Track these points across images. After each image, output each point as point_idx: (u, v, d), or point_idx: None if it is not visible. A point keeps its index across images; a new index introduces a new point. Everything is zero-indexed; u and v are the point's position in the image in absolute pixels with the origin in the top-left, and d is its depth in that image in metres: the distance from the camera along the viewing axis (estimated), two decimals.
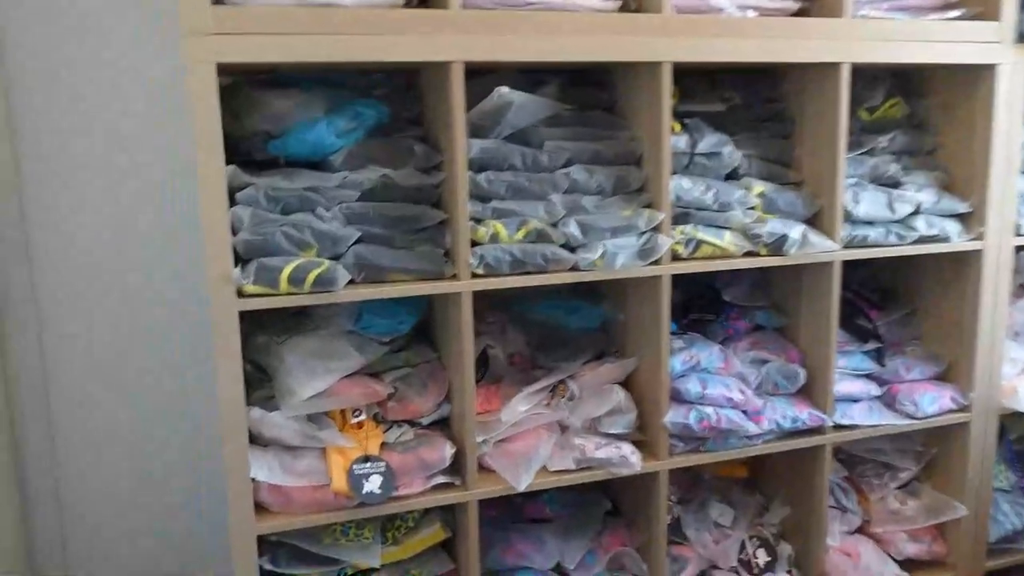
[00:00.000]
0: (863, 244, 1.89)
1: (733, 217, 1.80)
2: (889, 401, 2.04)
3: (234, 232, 1.48)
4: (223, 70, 1.41)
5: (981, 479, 2.12)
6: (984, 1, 1.91)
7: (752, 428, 1.83)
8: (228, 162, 1.44)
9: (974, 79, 1.96)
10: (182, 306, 1.96)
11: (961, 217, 2.00)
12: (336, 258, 1.53)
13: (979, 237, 1.98)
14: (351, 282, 1.53)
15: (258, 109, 1.58)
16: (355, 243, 1.55)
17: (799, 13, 1.82)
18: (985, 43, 1.91)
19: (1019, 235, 2.04)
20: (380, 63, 1.54)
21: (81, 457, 1.96)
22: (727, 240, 1.78)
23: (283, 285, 1.47)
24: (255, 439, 1.59)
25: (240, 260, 1.48)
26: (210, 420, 1.94)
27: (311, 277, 1.47)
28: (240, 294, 1.47)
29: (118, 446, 2.00)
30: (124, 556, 2.03)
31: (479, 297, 1.64)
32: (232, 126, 1.54)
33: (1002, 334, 2.07)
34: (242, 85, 1.63)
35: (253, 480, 1.55)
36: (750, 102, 1.96)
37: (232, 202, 1.49)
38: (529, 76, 1.76)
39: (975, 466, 2.11)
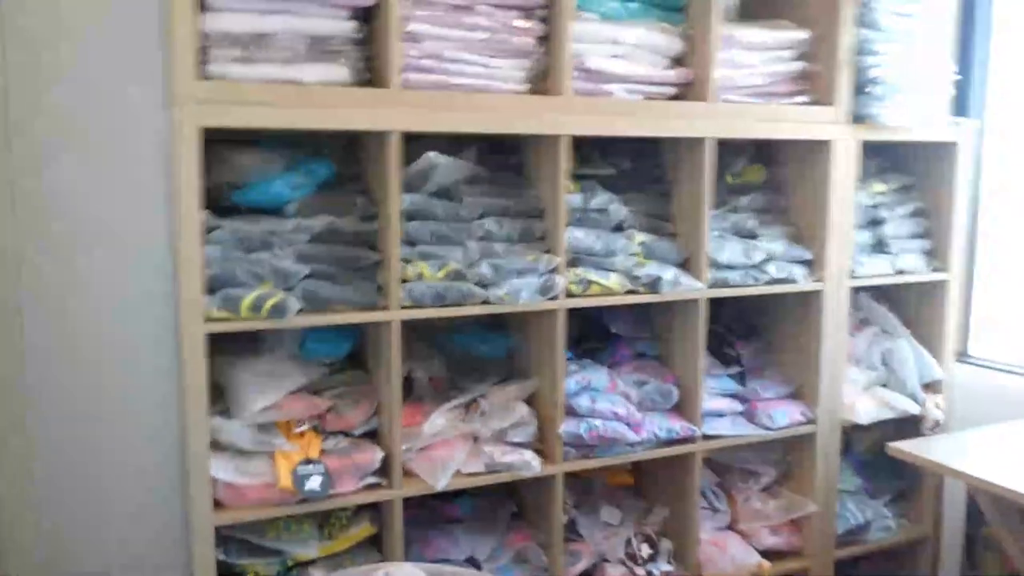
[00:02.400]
0: (725, 285, 2.29)
1: (618, 262, 2.17)
2: (750, 416, 2.44)
3: (205, 267, 1.76)
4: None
5: (828, 481, 2.53)
6: (823, 89, 2.36)
7: (633, 437, 2.19)
8: None
9: (816, 151, 2.40)
10: (154, 330, 2.17)
11: (806, 263, 2.42)
12: (288, 290, 1.83)
13: (820, 279, 2.41)
14: (300, 311, 1.83)
15: (225, 164, 1.88)
16: (304, 278, 1.85)
17: (675, 97, 2.22)
18: (823, 123, 2.35)
19: (853, 278, 2.47)
20: (332, 130, 1.87)
21: (57, 462, 2.13)
22: (613, 281, 2.15)
23: (244, 311, 1.76)
24: (213, 444, 1.86)
25: (208, 290, 1.77)
26: (167, 431, 2.16)
27: (267, 305, 1.77)
28: (206, 319, 1.75)
29: (90, 453, 2.17)
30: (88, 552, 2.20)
31: (406, 328, 1.96)
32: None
33: (843, 360, 2.50)
34: (211, 143, 1.92)
35: (213, 479, 1.82)
36: (636, 167, 2.35)
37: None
38: (453, 142, 2.10)
39: (822, 470, 2.51)
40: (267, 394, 1.90)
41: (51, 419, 2.09)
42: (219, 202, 1.87)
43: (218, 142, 1.89)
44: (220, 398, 1.93)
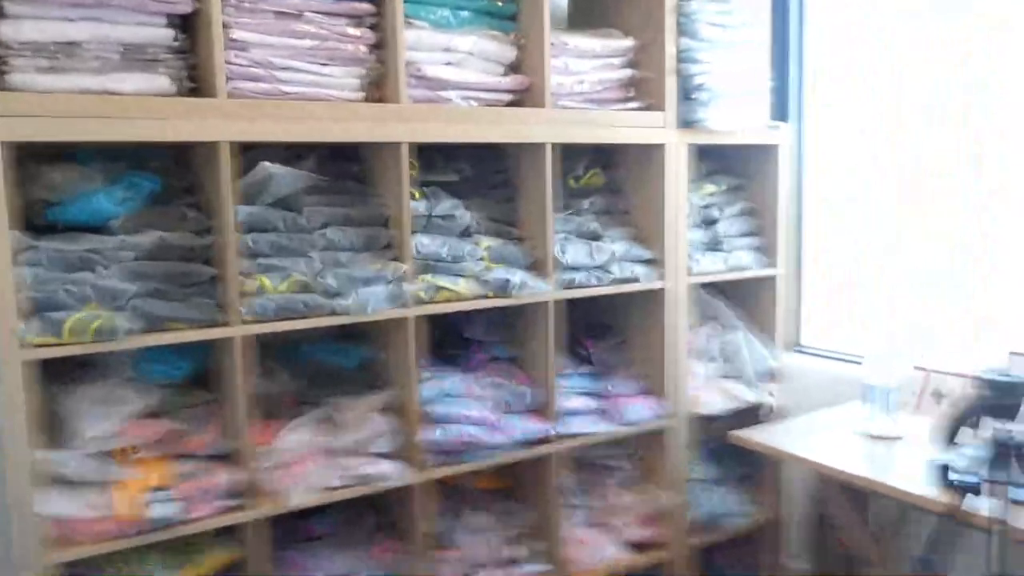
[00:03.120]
0: (572, 286, 2.35)
1: (466, 267, 2.19)
2: (605, 413, 2.50)
3: (18, 290, 1.65)
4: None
5: (681, 473, 2.62)
6: (654, 95, 2.48)
7: (492, 440, 2.21)
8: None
9: (649, 155, 2.51)
10: None
11: (648, 262, 2.52)
12: (118, 310, 1.74)
13: (661, 277, 2.52)
14: (130, 331, 1.74)
15: (38, 180, 1.77)
16: (133, 297, 1.77)
17: (512, 103, 2.28)
18: (655, 128, 2.47)
19: (692, 275, 2.60)
20: (157, 143, 1.80)
21: None
22: (462, 286, 2.16)
23: (66, 335, 1.66)
24: (48, 478, 1.73)
25: (23, 316, 1.66)
26: None
27: (92, 328, 1.68)
28: (24, 344, 1.64)
29: None
30: None
31: (254, 343, 1.90)
32: (13, 195, 1.72)
33: (685, 355, 2.61)
34: (22, 159, 1.81)
35: (45, 515, 1.70)
36: (480, 173, 2.38)
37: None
38: (291, 151, 2.07)
39: (675, 462, 2.61)
40: (103, 421, 1.81)
41: None
42: (32, 221, 1.76)
43: (32, 158, 1.79)
44: (57, 431, 1.81)
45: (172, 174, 1.98)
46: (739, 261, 2.72)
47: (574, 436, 2.40)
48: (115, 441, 1.81)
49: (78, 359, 1.85)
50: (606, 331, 2.70)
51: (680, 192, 2.53)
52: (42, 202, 1.79)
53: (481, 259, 2.23)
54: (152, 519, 1.77)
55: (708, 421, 2.77)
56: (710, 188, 2.72)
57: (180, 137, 1.78)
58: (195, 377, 2.04)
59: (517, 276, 2.22)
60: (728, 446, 2.81)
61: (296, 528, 2.19)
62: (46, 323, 1.65)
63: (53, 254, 1.71)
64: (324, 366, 2.25)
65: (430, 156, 2.30)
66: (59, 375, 1.88)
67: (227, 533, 1.99)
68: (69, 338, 1.67)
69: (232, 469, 1.92)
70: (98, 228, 1.83)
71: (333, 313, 1.98)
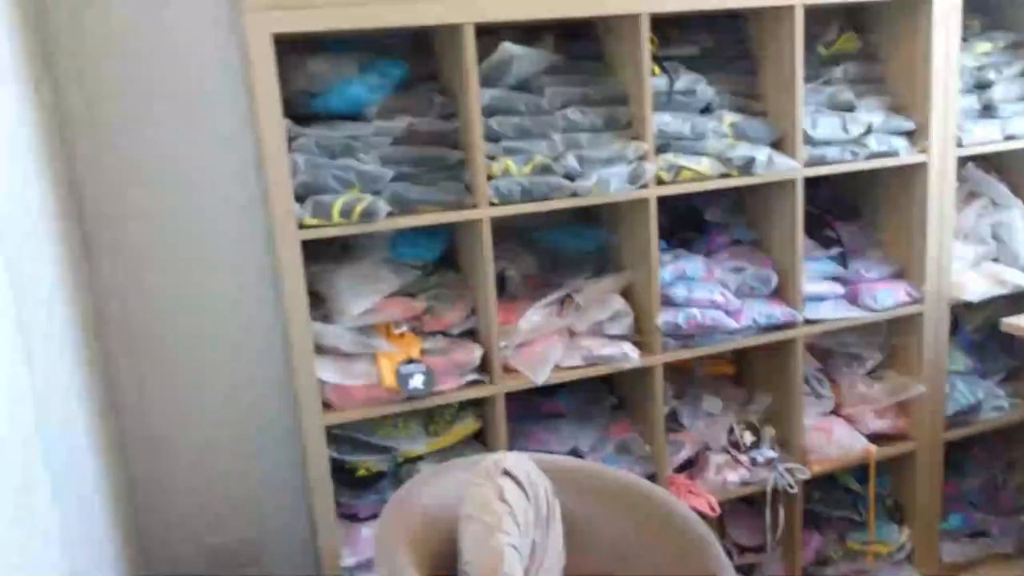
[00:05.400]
0: (822, 162, 2.19)
1: (708, 145, 2.09)
2: (852, 298, 2.35)
3: (292, 175, 1.78)
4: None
5: (937, 362, 2.44)
6: None
7: (732, 324, 2.15)
8: None
9: (913, 10, 2.23)
10: (245, 244, 2.19)
11: (908, 134, 2.29)
12: (376, 194, 1.84)
13: (924, 150, 2.28)
14: (389, 214, 1.83)
15: (301, 71, 1.87)
16: (391, 181, 1.85)
17: None
18: None
19: (960, 147, 2.33)
20: (404, 27, 1.83)
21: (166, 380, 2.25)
22: (704, 165, 2.08)
23: (335, 217, 1.78)
24: (317, 349, 1.91)
25: (297, 198, 1.79)
26: (271, 341, 2.24)
27: (358, 210, 1.78)
28: (300, 226, 1.78)
29: (196, 369, 2.27)
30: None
31: (496, 227, 1.95)
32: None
33: (950, 236, 2.38)
34: (283, 51, 1.92)
35: (320, 381, 1.87)
36: (719, 45, 2.23)
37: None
38: (528, 32, 2.04)
39: (930, 351, 2.42)
40: (365, 298, 1.93)
41: (154, 339, 2.18)
42: (296, 111, 1.86)
43: (287, 51, 1.88)
44: (316, 308, 1.97)
45: (413, 60, 2.02)
46: (1018, 129, 2.39)
47: (820, 322, 2.29)
48: (376, 317, 1.95)
49: (338, 240, 1.99)
50: (850, 212, 2.51)
51: (950, 52, 2.24)
52: (305, 92, 1.89)
53: (725, 136, 2.12)
54: (408, 389, 1.90)
55: (971, 308, 2.54)
56: (985, 46, 2.38)
57: (426, 21, 1.81)
58: (444, 258, 2.14)
59: (763, 153, 2.10)
60: (991, 336, 2.59)
61: (536, 404, 2.28)
62: (317, 206, 1.78)
63: (320, 141, 1.82)
64: (561, 249, 2.27)
65: (666, 31, 2.19)
66: (317, 256, 2.03)
67: (469, 405, 2.10)
68: (337, 220, 1.78)
69: (479, 346, 2.01)
70: (352, 117, 1.91)
71: (575, 195, 1.97)
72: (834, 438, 2.39)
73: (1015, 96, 2.42)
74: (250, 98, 1.92)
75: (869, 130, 2.22)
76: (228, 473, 2.31)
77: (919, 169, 2.30)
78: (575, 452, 2.16)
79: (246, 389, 2.27)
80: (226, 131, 2.12)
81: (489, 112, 1.94)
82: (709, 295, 2.14)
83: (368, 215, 1.79)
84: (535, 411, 2.27)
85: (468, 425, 2.11)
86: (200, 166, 2.14)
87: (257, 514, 2.35)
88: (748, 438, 2.34)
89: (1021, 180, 2.57)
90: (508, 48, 1.92)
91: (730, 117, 2.14)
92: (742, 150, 2.10)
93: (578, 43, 2.12)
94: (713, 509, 2.20)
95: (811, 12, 2.15)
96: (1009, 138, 2.40)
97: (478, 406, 2.12)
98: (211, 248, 2.18)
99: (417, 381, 1.92)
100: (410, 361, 1.93)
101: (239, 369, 2.26)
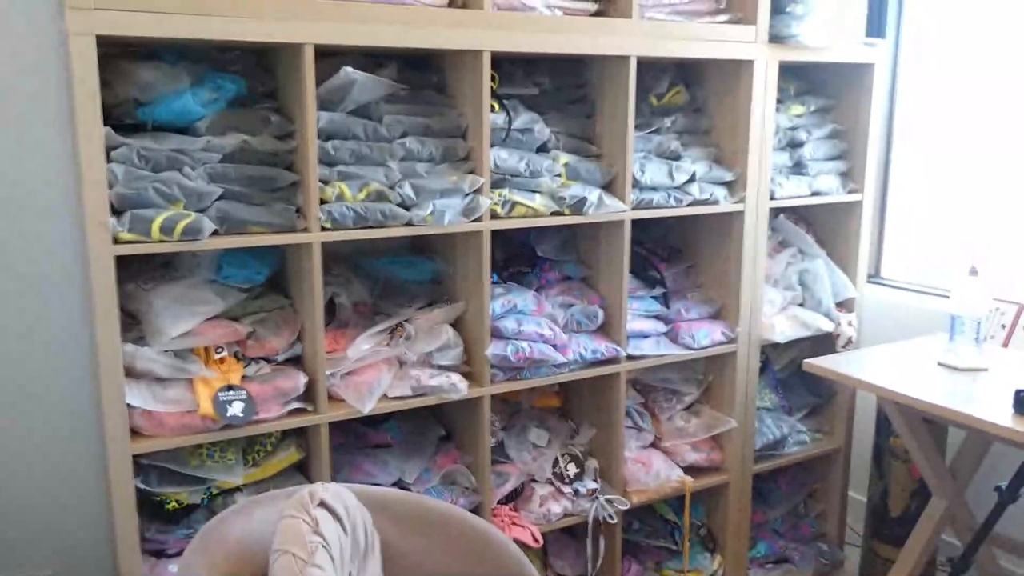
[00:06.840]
0: (649, 206, 2.30)
1: (542, 183, 2.15)
2: (673, 336, 2.48)
3: (109, 186, 1.68)
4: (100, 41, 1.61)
5: (747, 398, 2.61)
6: (744, 8, 2.36)
7: (560, 358, 2.21)
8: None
9: (736, 72, 2.41)
10: (56, 257, 2.06)
11: (728, 184, 2.45)
12: (201, 211, 1.76)
13: (741, 200, 2.44)
14: (215, 233, 1.76)
15: (128, 79, 1.77)
16: (218, 199, 1.78)
17: (597, 13, 2.19)
18: (744, 42, 2.35)
19: (773, 199, 2.52)
20: (241, 42, 1.78)
21: None
22: (537, 202, 2.13)
23: (155, 233, 1.69)
24: (128, 372, 1.80)
25: (115, 211, 1.69)
26: (77, 360, 2.08)
27: (180, 227, 1.70)
28: (115, 240, 1.67)
29: None
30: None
31: (328, 252, 1.91)
32: (103, 93, 1.73)
33: (761, 281, 2.56)
34: (110, 56, 1.81)
35: (128, 406, 1.76)
36: (559, 87, 2.32)
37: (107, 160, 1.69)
38: (371, 59, 2.03)
39: (742, 388, 2.59)
40: (184, 320, 1.84)
41: None
42: (121, 120, 1.77)
43: (117, 56, 1.79)
44: (131, 328, 1.87)
45: (253, 77, 1.96)
46: (823, 186, 2.62)
47: (642, 358, 2.39)
48: (195, 340, 1.86)
49: (159, 258, 1.89)
50: (674, 254, 2.65)
51: (767, 112, 2.43)
52: (132, 101, 1.79)
53: (558, 175, 2.19)
54: (227, 416, 1.82)
55: (778, 349, 2.74)
56: (798, 108, 2.60)
57: (264, 38, 1.75)
58: (271, 282, 2.07)
59: (594, 194, 2.18)
60: (796, 375, 2.80)
61: (363, 435, 2.25)
62: (136, 220, 1.68)
63: (143, 152, 1.72)
64: (394, 278, 2.26)
65: (509, 69, 2.24)
66: (135, 274, 1.92)
67: (292, 434, 2.05)
68: (157, 236, 1.69)
69: (304, 373, 1.96)
70: (183, 129, 1.84)
71: (409, 224, 1.97)
72: (653, 470, 2.49)
73: (822, 155, 2.66)
74: (69, 101, 1.80)
75: (693, 178, 2.36)
76: (26, 503, 2.12)
77: (736, 217, 2.47)
78: (400, 483, 2.14)
79: (50, 411, 2.11)
80: (42, 134, 1.98)
81: (326, 136, 1.92)
82: (538, 329, 2.19)
83: (191, 233, 1.71)
84: (362, 441, 2.24)
85: (290, 455, 2.04)
86: (9, 169, 1.97)
87: (56, 548, 2.18)
88: (572, 470, 2.40)
89: (825, 232, 2.81)
90: (349, 72, 1.90)
91: (565, 157, 2.22)
92: (575, 190, 2.17)
93: (421, 74, 2.14)
94: (536, 540, 2.23)
95: (645, 64, 2.27)
96: (815, 193, 2.62)
97: (301, 435, 2.06)
98: (16, 258, 2.02)
99: (236, 408, 1.84)
100: (230, 387, 1.85)
101: (43, 391, 2.09)
